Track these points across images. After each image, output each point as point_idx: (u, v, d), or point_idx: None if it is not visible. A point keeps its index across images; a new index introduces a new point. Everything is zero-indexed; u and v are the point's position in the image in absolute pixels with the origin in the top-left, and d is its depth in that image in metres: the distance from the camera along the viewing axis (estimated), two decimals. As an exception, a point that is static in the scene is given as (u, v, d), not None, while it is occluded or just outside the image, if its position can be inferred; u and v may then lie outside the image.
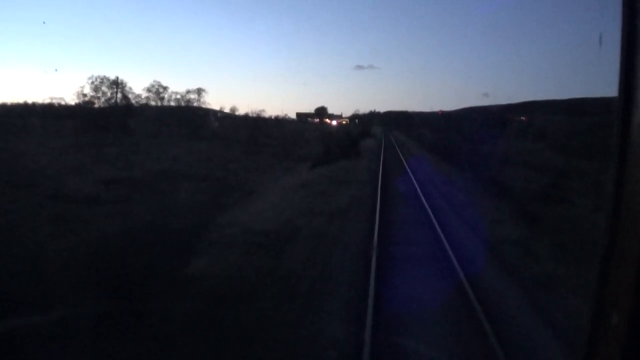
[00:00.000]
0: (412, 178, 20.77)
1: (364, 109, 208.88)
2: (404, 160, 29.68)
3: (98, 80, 52.69)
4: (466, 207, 14.49)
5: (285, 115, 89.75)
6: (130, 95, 55.22)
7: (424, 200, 15.08)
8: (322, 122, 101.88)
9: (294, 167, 36.50)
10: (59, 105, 61.09)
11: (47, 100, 61.16)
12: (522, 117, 74.40)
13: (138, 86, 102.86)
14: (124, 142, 43.61)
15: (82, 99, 53.99)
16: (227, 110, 72.63)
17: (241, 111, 68.92)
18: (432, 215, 12.68)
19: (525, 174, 26.52)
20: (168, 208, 18.64)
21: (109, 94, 53.63)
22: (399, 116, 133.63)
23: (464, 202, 15.42)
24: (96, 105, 54.44)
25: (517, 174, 26.50)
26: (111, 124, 50.46)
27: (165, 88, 61.76)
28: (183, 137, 52.83)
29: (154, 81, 59.01)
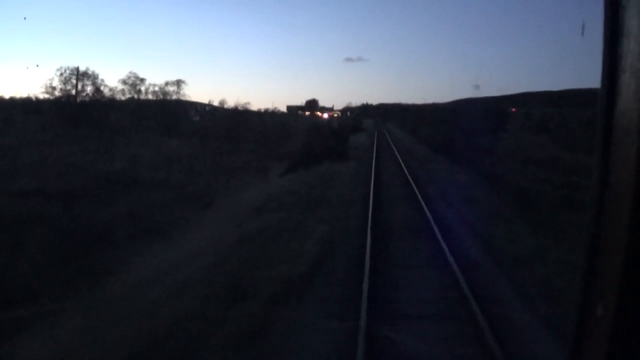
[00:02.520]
0: (415, 190, 14.31)
1: (357, 101, 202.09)
2: (401, 161, 23.02)
3: (67, 72, 45.30)
4: (516, 261, 8.01)
5: (275, 108, 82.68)
6: (103, 88, 47.96)
7: (440, 239, 8.69)
8: (313, 115, 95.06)
9: (271, 167, 29.95)
10: (37, 99, 54.16)
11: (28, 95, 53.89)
12: (512, 109, 68.64)
13: (114, 78, 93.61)
14: (87, 139, 36.83)
15: (51, 92, 46.54)
16: (215, 103, 65.99)
17: (230, 104, 62.15)
18: (467, 291, 6.26)
19: (541, 174, 22.11)
20: (53, 247, 12.12)
21: (79, 87, 46.47)
22: (393, 109, 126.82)
23: (503, 239, 9.04)
24: (78, 100, 47.19)
25: (532, 172, 21.95)
26: (81, 119, 43.69)
27: (142, 80, 54.79)
28: (158, 132, 46.13)
29: (130, 72, 51.51)
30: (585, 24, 1.33)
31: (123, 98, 53.30)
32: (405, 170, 19.07)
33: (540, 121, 59.53)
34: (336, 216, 10.56)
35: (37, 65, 72.93)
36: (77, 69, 39.82)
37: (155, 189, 23.63)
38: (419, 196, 13.32)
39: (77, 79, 39.28)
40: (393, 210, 11.76)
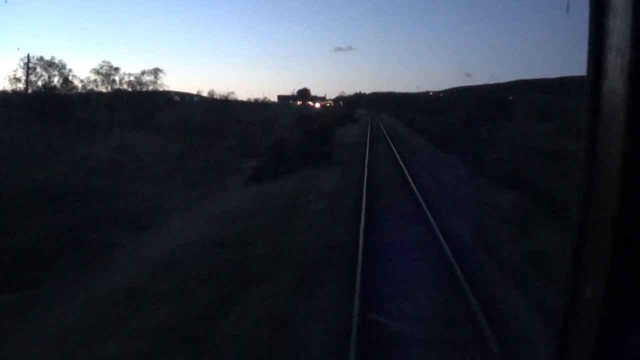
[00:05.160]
0: (433, 224, 8.37)
1: (350, 90, 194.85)
2: (403, 166, 16.76)
3: (32, 62, 38.85)
4: None
5: (266, 98, 75.99)
6: (72, 79, 41.62)
7: None
8: (305, 105, 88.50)
9: (243, 168, 23.85)
10: (13, 92, 47.64)
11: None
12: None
13: (87, 68, 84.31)
14: (47, 137, 30.48)
15: (15, 84, 40.16)
16: (204, 94, 59.49)
17: (219, 95, 55.75)
18: None
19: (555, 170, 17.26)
20: None
21: (46, 77, 40.08)
22: (386, 97, 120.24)
23: None
24: (30, 91, 40.68)
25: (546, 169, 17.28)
26: (47, 113, 37.37)
27: (116, 69, 48.08)
28: (130, 127, 39.74)
29: (103, 62, 44.93)
30: (570, 2, 1.24)
31: (97, 89, 46.91)
32: (412, 183, 12.93)
33: (543, 109, 54.15)
34: (276, 316, 4.50)
35: (18, 49, 65.25)
36: (28, 56, 33.18)
37: (82, 203, 17.47)
38: (443, 242, 7.30)
39: (28, 68, 32.66)
40: (401, 290, 5.67)
